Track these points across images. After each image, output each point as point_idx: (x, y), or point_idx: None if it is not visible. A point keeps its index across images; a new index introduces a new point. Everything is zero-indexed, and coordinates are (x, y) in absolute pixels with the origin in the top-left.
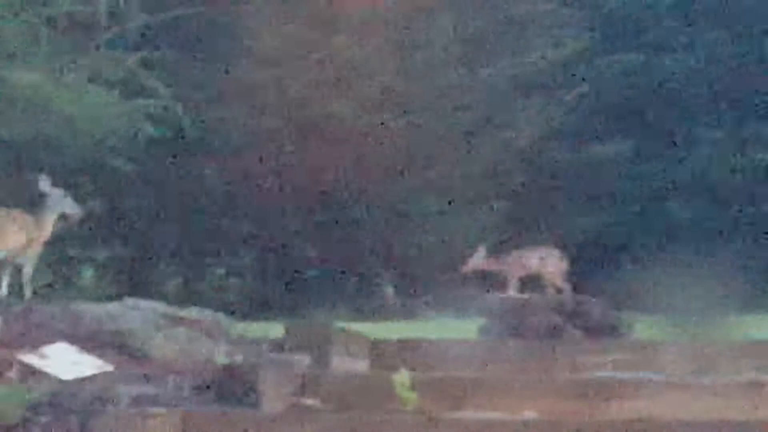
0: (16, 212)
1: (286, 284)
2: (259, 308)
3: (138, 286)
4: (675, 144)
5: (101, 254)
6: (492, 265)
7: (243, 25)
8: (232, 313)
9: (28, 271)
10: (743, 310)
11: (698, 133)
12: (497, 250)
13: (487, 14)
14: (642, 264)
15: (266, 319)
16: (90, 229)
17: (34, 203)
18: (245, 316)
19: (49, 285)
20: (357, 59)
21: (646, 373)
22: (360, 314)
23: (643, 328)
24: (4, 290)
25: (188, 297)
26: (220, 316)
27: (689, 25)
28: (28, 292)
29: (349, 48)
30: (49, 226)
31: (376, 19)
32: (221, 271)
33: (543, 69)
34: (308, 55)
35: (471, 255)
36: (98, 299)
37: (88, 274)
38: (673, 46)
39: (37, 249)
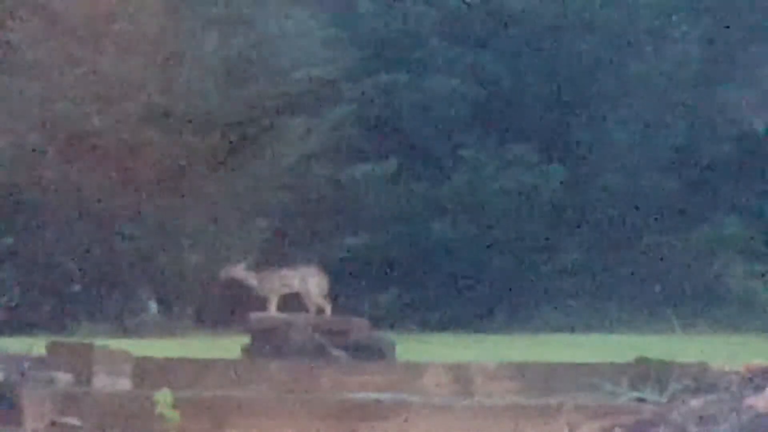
0: None
1: (49, 299)
2: (21, 323)
3: None
4: (439, 164)
5: None
6: (252, 280)
7: (5, 37)
8: None
9: None
10: (507, 329)
11: (462, 154)
12: (260, 267)
13: (251, 32)
14: (405, 283)
15: (29, 334)
16: None
17: None
18: (6, 332)
19: None
20: (121, 75)
21: (407, 395)
22: (123, 331)
23: (406, 348)
24: None
25: None
26: None
27: (454, 45)
28: None
29: (114, 64)
30: None
31: (140, 35)
32: None
33: (307, 88)
34: (72, 70)
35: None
36: None
37: None
38: (438, 67)
39: None
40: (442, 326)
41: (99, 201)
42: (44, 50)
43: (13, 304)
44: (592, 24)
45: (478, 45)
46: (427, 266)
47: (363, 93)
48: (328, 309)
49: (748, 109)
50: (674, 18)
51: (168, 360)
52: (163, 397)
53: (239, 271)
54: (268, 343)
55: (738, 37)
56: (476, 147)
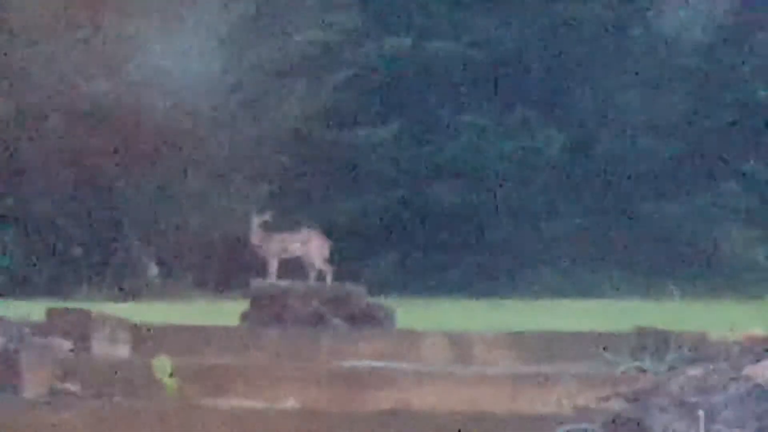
0: None
1: (49, 262)
2: (20, 286)
3: None
4: (440, 128)
5: None
6: (256, 239)
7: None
8: None
9: None
10: (507, 295)
11: (464, 119)
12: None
13: None
14: (405, 249)
15: (28, 297)
16: None
17: None
18: (6, 294)
19: None
20: (123, 39)
21: (404, 363)
22: (122, 294)
23: (405, 314)
24: None
25: None
26: None
27: (456, 10)
28: None
29: (115, 27)
30: None
31: None
32: None
33: (309, 51)
34: (74, 33)
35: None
36: None
37: None
38: (440, 31)
39: None
40: (442, 291)
41: (99, 164)
42: (45, 13)
43: (13, 266)
44: None
45: (480, 9)
46: (427, 231)
47: (365, 57)
48: (330, 274)
49: (750, 74)
50: None
51: (166, 327)
52: (162, 363)
53: (255, 222)
54: (267, 310)
55: (739, 1)
56: (477, 111)
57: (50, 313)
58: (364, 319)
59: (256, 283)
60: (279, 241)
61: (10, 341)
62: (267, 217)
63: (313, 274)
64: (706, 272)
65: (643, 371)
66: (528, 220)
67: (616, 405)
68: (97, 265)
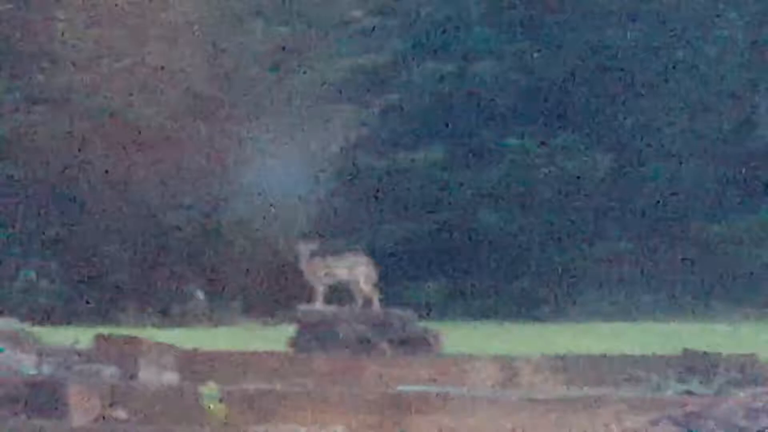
0: None
1: (96, 289)
2: (67, 312)
3: None
4: (485, 152)
5: None
6: (304, 263)
7: (52, 28)
8: (41, 316)
9: None
10: (553, 318)
11: (508, 142)
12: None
13: (296, 20)
14: (451, 273)
15: (75, 323)
16: None
17: None
18: (54, 320)
19: None
20: (167, 65)
21: (451, 388)
22: (168, 319)
23: (453, 337)
24: None
25: None
26: (27, 326)
27: (500, 33)
28: None
29: (159, 54)
30: None
31: (185, 25)
32: (31, 274)
33: (354, 77)
34: (119, 60)
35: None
36: None
37: None
38: (484, 55)
39: None
40: (489, 315)
41: (146, 190)
42: (90, 41)
43: (61, 292)
44: (638, 10)
45: (524, 33)
46: (473, 255)
47: (410, 81)
48: (376, 299)
49: None
50: (721, 5)
51: (214, 353)
52: (209, 390)
53: (304, 248)
54: (314, 335)
55: None
56: (522, 135)
57: (98, 339)
58: (413, 344)
59: (303, 308)
60: (325, 267)
61: (58, 368)
62: (314, 245)
63: (359, 299)
64: (754, 294)
65: (691, 394)
66: (574, 244)
67: (664, 429)
68: (143, 291)
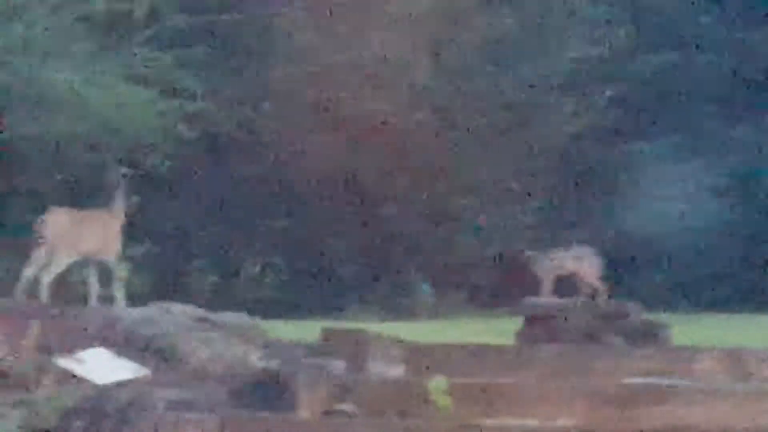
0: (86, 212)
1: (320, 282)
2: (292, 306)
3: (172, 284)
4: (712, 143)
5: (137, 252)
6: (530, 258)
7: (276, 23)
8: (267, 310)
9: (114, 266)
10: None
11: (735, 133)
12: (532, 248)
13: (520, 13)
14: (676, 264)
15: (300, 317)
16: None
17: (102, 197)
18: (279, 314)
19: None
20: (391, 58)
21: (680, 380)
22: (394, 313)
23: (680, 330)
24: (96, 288)
25: (223, 294)
26: (256, 320)
27: (724, 24)
28: (119, 292)
29: (383, 47)
30: (122, 215)
31: (409, 17)
32: (256, 268)
33: (579, 68)
34: (342, 53)
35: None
36: (132, 297)
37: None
38: (709, 45)
39: (118, 242)
40: (716, 306)
41: (369, 184)
42: (313, 34)
43: (286, 286)
44: None
45: (749, 23)
46: (697, 245)
47: (635, 72)
48: (603, 291)
49: None
50: None
51: (440, 346)
52: (437, 383)
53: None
54: (541, 328)
55: None
56: (749, 125)
57: (325, 333)
58: (640, 336)
59: (530, 300)
60: (552, 259)
61: (286, 363)
62: (540, 237)
63: (586, 291)
64: None
65: None
66: None
67: None
68: (369, 284)
